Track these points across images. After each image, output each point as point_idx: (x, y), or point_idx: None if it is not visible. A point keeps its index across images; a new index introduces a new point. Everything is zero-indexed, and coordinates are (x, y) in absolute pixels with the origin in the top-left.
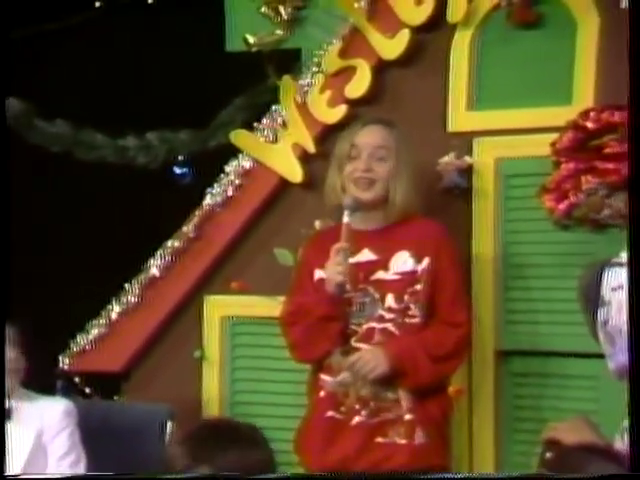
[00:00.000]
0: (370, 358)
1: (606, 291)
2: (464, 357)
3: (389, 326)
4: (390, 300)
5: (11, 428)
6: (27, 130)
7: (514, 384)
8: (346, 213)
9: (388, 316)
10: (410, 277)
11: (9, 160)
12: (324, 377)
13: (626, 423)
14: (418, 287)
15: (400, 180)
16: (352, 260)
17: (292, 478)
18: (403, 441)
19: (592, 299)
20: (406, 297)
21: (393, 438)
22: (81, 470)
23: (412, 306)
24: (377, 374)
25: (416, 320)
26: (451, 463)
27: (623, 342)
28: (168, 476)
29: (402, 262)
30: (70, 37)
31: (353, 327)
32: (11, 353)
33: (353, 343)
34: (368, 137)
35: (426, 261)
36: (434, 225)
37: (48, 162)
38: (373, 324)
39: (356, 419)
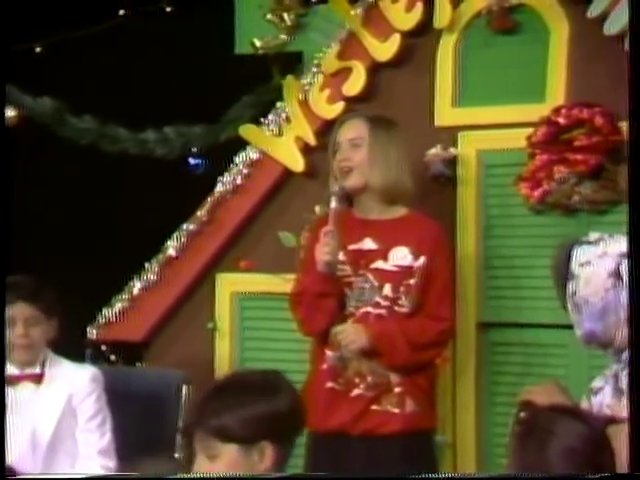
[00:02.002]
0: (351, 331)
1: (575, 266)
2: (443, 349)
3: (383, 312)
4: (387, 289)
5: (44, 391)
6: (59, 125)
7: (494, 352)
8: (333, 199)
9: (384, 303)
10: (407, 271)
11: (37, 152)
12: (327, 352)
13: (592, 385)
14: (412, 281)
15: (375, 166)
16: (354, 247)
17: (292, 478)
18: (395, 410)
19: (563, 274)
20: (401, 289)
21: (386, 407)
22: (107, 429)
23: (403, 297)
24: (356, 347)
25: (404, 310)
26: (437, 425)
27: (589, 311)
28: (168, 476)
29: (402, 256)
30: (97, 42)
31: (351, 309)
32: (22, 329)
33: (349, 323)
34: (344, 132)
35: (422, 259)
36: (434, 226)
37: (77, 153)
38: (369, 309)
39: (355, 391)
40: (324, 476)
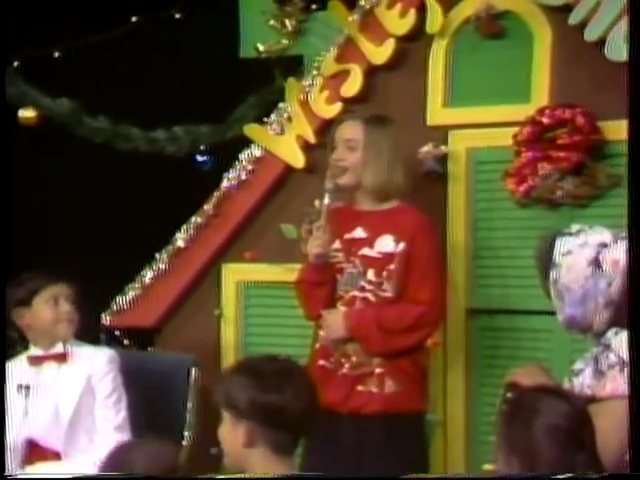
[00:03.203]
0: (332, 322)
1: (557, 256)
2: (428, 332)
3: (369, 296)
4: (371, 274)
5: (66, 371)
6: (75, 125)
7: (482, 337)
8: (326, 196)
9: (368, 287)
10: (389, 257)
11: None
12: (320, 332)
13: (573, 367)
14: (392, 267)
15: (368, 167)
16: (348, 236)
17: (292, 478)
18: (376, 390)
19: (546, 263)
20: (384, 274)
21: (370, 387)
22: (123, 407)
23: (385, 282)
24: (335, 336)
25: (387, 294)
26: (427, 407)
27: (570, 298)
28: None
29: (386, 244)
30: (111, 47)
31: (341, 293)
32: (67, 306)
33: (339, 306)
34: (342, 131)
35: (402, 245)
36: (415, 214)
37: (92, 151)
38: (356, 293)
39: (342, 370)
40: (323, 476)
